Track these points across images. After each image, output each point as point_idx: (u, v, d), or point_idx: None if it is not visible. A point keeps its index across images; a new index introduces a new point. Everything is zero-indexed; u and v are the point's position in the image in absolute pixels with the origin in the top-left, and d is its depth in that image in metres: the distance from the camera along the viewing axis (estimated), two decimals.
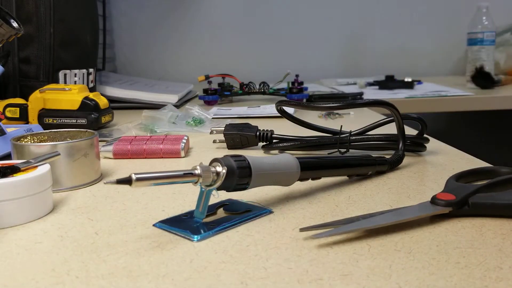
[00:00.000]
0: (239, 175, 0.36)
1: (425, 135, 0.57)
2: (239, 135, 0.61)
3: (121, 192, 0.45)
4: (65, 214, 0.39)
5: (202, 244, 0.32)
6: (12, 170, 0.38)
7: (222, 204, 0.40)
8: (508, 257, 0.30)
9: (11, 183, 0.36)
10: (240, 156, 0.37)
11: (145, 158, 0.58)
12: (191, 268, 0.29)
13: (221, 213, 0.38)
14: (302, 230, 0.33)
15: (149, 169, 0.53)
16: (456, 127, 1.73)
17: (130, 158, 0.58)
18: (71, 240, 0.34)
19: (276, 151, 0.59)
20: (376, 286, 0.26)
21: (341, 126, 0.58)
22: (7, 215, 0.36)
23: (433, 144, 0.63)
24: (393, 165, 0.50)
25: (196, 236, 0.33)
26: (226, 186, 0.35)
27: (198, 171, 0.34)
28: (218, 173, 0.35)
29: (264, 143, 0.60)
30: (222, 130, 0.62)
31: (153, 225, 0.36)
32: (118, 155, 0.58)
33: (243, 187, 0.37)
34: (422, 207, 0.36)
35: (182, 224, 0.36)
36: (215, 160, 0.36)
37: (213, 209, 0.38)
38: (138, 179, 0.31)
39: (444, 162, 0.53)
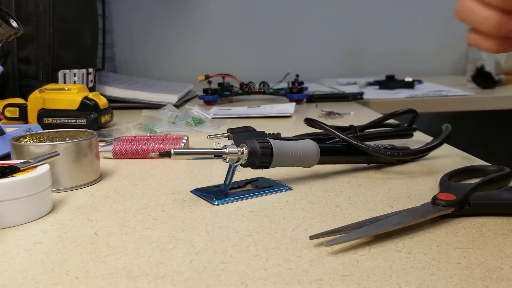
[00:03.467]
0: (262, 155, 0.42)
1: (414, 126, 0.64)
2: None
3: (120, 192, 0.45)
4: (64, 215, 0.39)
5: (202, 244, 0.32)
6: (11, 170, 0.38)
7: (252, 180, 0.46)
8: (508, 257, 0.29)
9: (11, 183, 0.36)
10: (265, 139, 0.43)
11: (145, 158, 0.58)
12: (191, 268, 0.29)
13: (248, 187, 0.45)
14: (312, 237, 0.32)
15: (149, 169, 0.53)
16: (456, 127, 1.73)
17: (130, 158, 0.58)
18: (71, 240, 0.34)
19: None
20: (376, 286, 0.26)
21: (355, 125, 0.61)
22: (6, 215, 0.36)
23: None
24: (416, 155, 0.52)
25: (217, 201, 0.40)
26: (251, 163, 0.42)
27: (226, 150, 0.41)
28: (243, 153, 0.41)
29: None
30: (222, 135, 0.60)
31: (190, 191, 0.44)
32: (117, 155, 0.58)
33: (265, 165, 0.43)
34: (425, 208, 0.36)
35: (210, 192, 0.43)
36: (243, 141, 0.42)
37: (242, 184, 0.45)
38: (176, 153, 0.38)
39: (445, 162, 0.53)
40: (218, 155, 0.41)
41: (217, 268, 0.29)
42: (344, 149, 0.49)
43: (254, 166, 0.43)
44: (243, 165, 0.42)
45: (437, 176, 0.44)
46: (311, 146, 0.46)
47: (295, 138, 0.58)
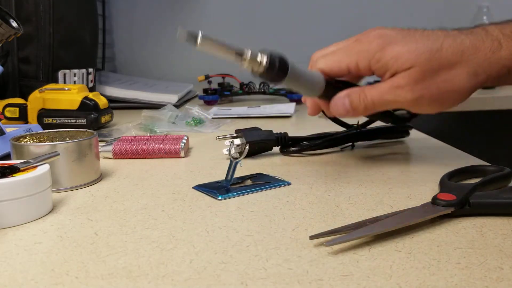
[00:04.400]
0: (279, 67, 0.41)
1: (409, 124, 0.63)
2: (262, 142, 0.58)
3: (120, 192, 0.45)
4: (64, 215, 0.39)
5: (202, 244, 0.32)
6: (11, 170, 0.38)
7: (251, 176, 0.48)
8: (508, 257, 0.29)
9: (11, 183, 0.36)
10: (281, 55, 0.42)
11: (145, 158, 0.58)
12: (191, 268, 0.29)
13: (248, 183, 0.46)
14: (312, 237, 0.32)
15: (149, 169, 0.53)
16: (456, 127, 1.73)
17: (130, 158, 0.58)
18: (71, 240, 0.34)
19: (295, 154, 0.58)
20: (376, 286, 0.26)
21: (358, 121, 0.61)
22: (6, 215, 0.36)
23: (433, 143, 0.63)
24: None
25: (220, 196, 0.42)
26: (269, 74, 0.41)
27: (248, 53, 0.39)
28: (261, 63, 0.40)
29: (281, 147, 0.59)
30: (230, 136, 0.59)
31: (193, 187, 0.45)
32: (117, 155, 0.58)
33: (279, 79, 0.42)
34: (425, 208, 0.36)
35: (212, 187, 0.44)
36: (261, 51, 0.40)
37: (242, 180, 0.47)
38: (203, 37, 0.37)
39: (445, 161, 0.53)
40: (239, 54, 0.39)
41: (217, 268, 0.29)
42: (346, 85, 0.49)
43: (269, 77, 0.41)
44: (260, 75, 0.41)
45: (437, 176, 0.44)
46: (318, 74, 0.47)
47: None
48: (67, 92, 0.76)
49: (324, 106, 0.49)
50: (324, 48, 0.51)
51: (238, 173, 0.48)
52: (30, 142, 0.47)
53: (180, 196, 0.43)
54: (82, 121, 0.75)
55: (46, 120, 0.75)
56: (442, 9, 1.73)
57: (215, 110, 0.98)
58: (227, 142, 0.57)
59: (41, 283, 0.28)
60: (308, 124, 0.83)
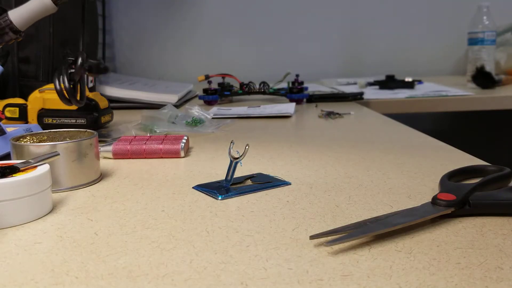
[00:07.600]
0: None
1: None
2: None
3: (120, 192, 0.45)
4: (64, 215, 0.39)
5: (202, 244, 0.32)
6: (11, 170, 0.38)
7: (251, 176, 0.48)
8: (508, 257, 0.29)
9: (11, 183, 0.36)
10: None
11: (145, 158, 0.58)
12: (191, 268, 0.29)
13: (248, 183, 0.46)
14: (312, 237, 0.32)
15: (149, 169, 0.53)
16: (456, 127, 1.73)
17: (130, 158, 0.58)
18: (71, 240, 0.34)
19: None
20: (376, 286, 0.26)
21: None
22: (6, 215, 0.36)
23: (433, 143, 0.63)
24: None
25: (220, 196, 0.42)
26: None
27: None
28: None
29: None
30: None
31: (192, 187, 0.45)
32: (117, 155, 0.58)
33: None
34: (425, 208, 0.36)
35: (212, 187, 0.44)
36: None
37: (241, 180, 0.47)
38: None
39: (444, 161, 0.53)
40: None
41: (217, 268, 0.29)
42: None
43: None
44: None
45: (437, 176, 0.44)
46: None
47: None
48: None
49: None
50: None
51: (238, 173, 0.48)
52: (30, 142, 0.47)
53: (180, 196, 0.43)
54: (82, 121, 0.75)
55: (46, 120, 0.75)
56: (442, 9, 1.73)
57: (215, 110, 0.98)
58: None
59: (41, 283, 0.28)
60: (307, 124, 0.83)
